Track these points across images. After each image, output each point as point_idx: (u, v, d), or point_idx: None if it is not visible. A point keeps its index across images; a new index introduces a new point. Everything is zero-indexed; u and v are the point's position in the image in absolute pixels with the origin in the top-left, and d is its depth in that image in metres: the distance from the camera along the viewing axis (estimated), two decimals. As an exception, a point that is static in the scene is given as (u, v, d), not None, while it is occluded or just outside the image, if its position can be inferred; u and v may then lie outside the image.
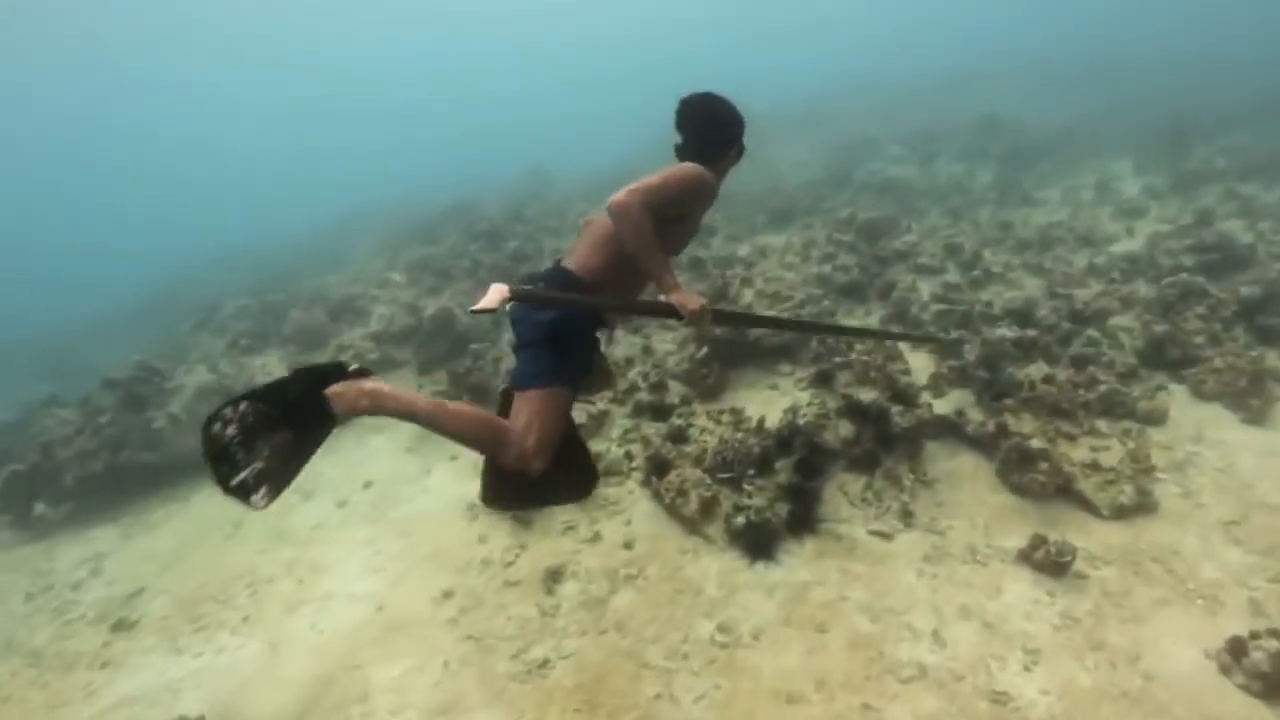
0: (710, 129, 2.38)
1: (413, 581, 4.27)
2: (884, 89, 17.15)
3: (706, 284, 7.03)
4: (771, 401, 5.47)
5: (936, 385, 5.06)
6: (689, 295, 2.07)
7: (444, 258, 8.97)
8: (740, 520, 3.98)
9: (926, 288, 6.35)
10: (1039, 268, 6.59)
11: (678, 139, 2.40)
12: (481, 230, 9.29)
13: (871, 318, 6.22)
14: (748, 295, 6.37)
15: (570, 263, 2.22)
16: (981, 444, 4.40)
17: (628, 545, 4.23)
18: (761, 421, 4.87)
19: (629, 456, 4.90)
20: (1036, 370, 4.87)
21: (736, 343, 5.84)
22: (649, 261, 2.05)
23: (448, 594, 4.07)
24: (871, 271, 6.60)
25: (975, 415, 4.58)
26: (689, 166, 2.20)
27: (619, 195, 2.00)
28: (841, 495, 4.29)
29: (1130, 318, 5.46)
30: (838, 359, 5.44)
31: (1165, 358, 4.86)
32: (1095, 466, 3.86)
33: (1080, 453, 4.05)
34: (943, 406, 4.82)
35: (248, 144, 43.80)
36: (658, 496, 4.41)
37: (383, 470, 5.81)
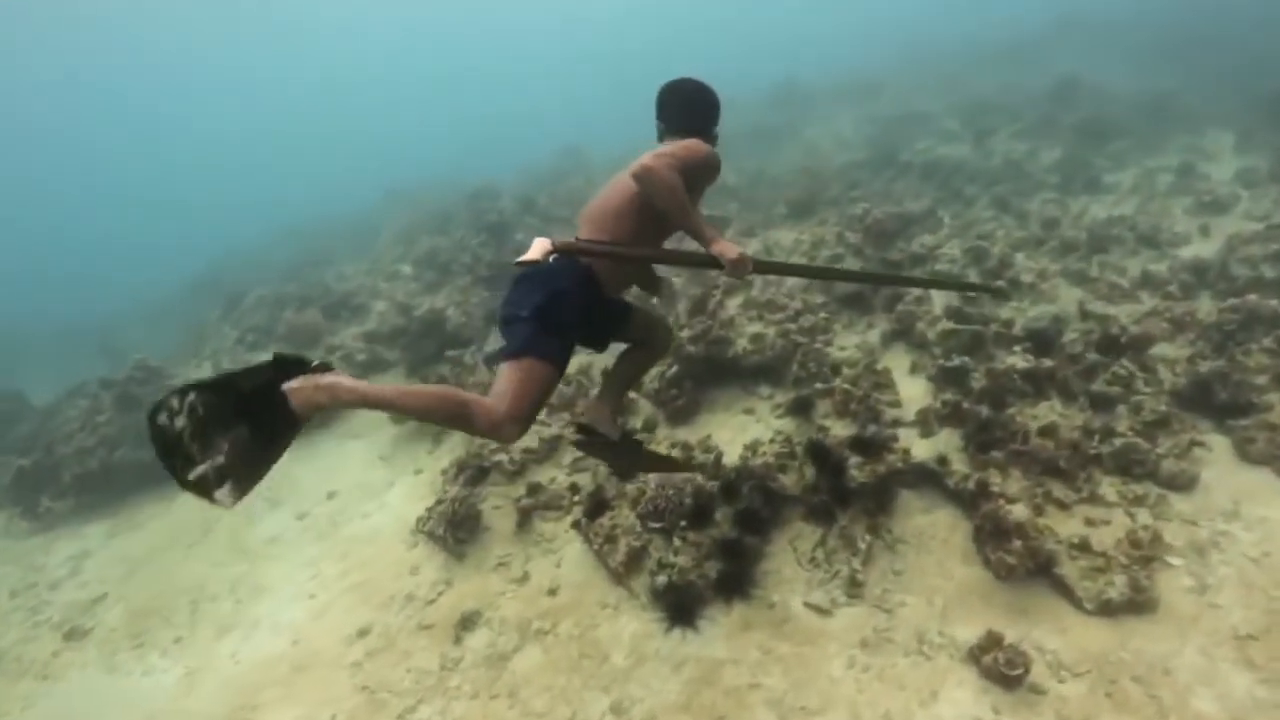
0: (694, 107, 2.54)
1: (335, 614, 4.20)
2: (947, 54, 15.49)
3: (701, 287, 6.55)
4: (744, 429, 5.02)
5: (926, 422, 4.44)
6: (728, 245, 2.15)
7: (450, 250, 8.86)
8: (662, 579, 3.63)
9: (941, 299, 5.61)
10: (1081, 276, 5.68)
11: (660, 125, 2.56)
12: (490, 222, 9.10)
13: (873, 333, 5.57)
14: (732, 306, 5.85)
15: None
16: (964, 500, 3.81)
17: (552, 592, 3.98)
18: (718, 458, 4.45)
19: (573, 489, 4.61)
20: (1046, 411, 4.18)
21: (714, 360, 5.38)
22: (685, 217, 2.13)
23: (362, 632, 3.97)
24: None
25: (960, 465, 3.97)
26: (696, 141, 2.30)
27: (644, 162, 2.07)
28: (791, 550, 3.85)
29: (1177, 346, 4.58)
30: (819, 385, 4.90)
31: (1211, 401, 4.03)
32: (1084, 547, 3.23)
33: (1071, 526, 3.41)
34: (927, 449, 4.23)
35: (307, 126, 45.66)
36: (588, 541, 4.11)
37: (350, 480, 5.80)
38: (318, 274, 10.67)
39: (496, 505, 4.74)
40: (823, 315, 5.68)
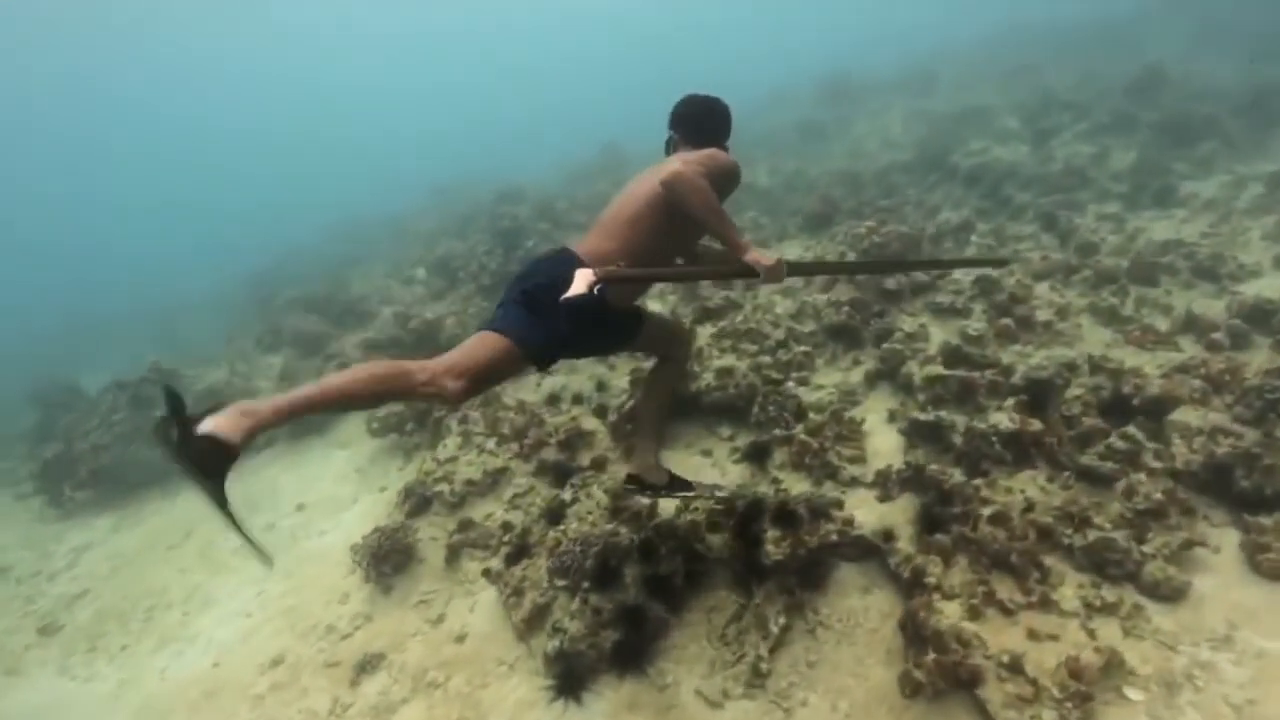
0: (711, 119, 2.65)
1: (261, 637, 4.29)
2: (1027, 40, 13.99)
3: (693, 305, 6.22)
4: (699, 471, 4.69)
5: (885, 484, 3.96)
6: (762, 252, 2.18)
7: (463, 257, 8.91)
8: (554, 644, 3.43)
9: (939, 337, 5.01)
10: (1113, 314, 4.91)
11: (672, 135, 2.68)
12: (503, 228, 9.08)
13: (857, 371, 5.06)
14: (703, 337, 5.49)
15: (579, 250, 2.27)
16: (903, 585, 3.37)
17: (460, 639, 3.88)
18: (651, 508, 4.17)
19: (506, 528, 4.47)
20: (1026, 484, 3.64)
21: (677, 395, 5.06)
22: (719, 225, 2.15)
23: (275, 662, 4.02)
24: (871, 309, 5.34)
25: (906, 543, 3.51)
26: (717, 151, 2.37)
27: (674, 168, 2.10)
28: (707, 622, 3.54)
29: (1207, 412, 3.85)
30: (778, 431, 4.50)
31: (1229, 488, 3.34)
32: (1017, 668, 2.74)
33: (1009, 638, 2.91)
34: (880, 517, 3.77)
35: (368, 128, 47.89)
36: (499, 591, 3.96)
37: (323, 492, 5.95)
38: (346, 275, 11.08)
39: (434, 537, 4.69)
40: (802, 350, 5.22)
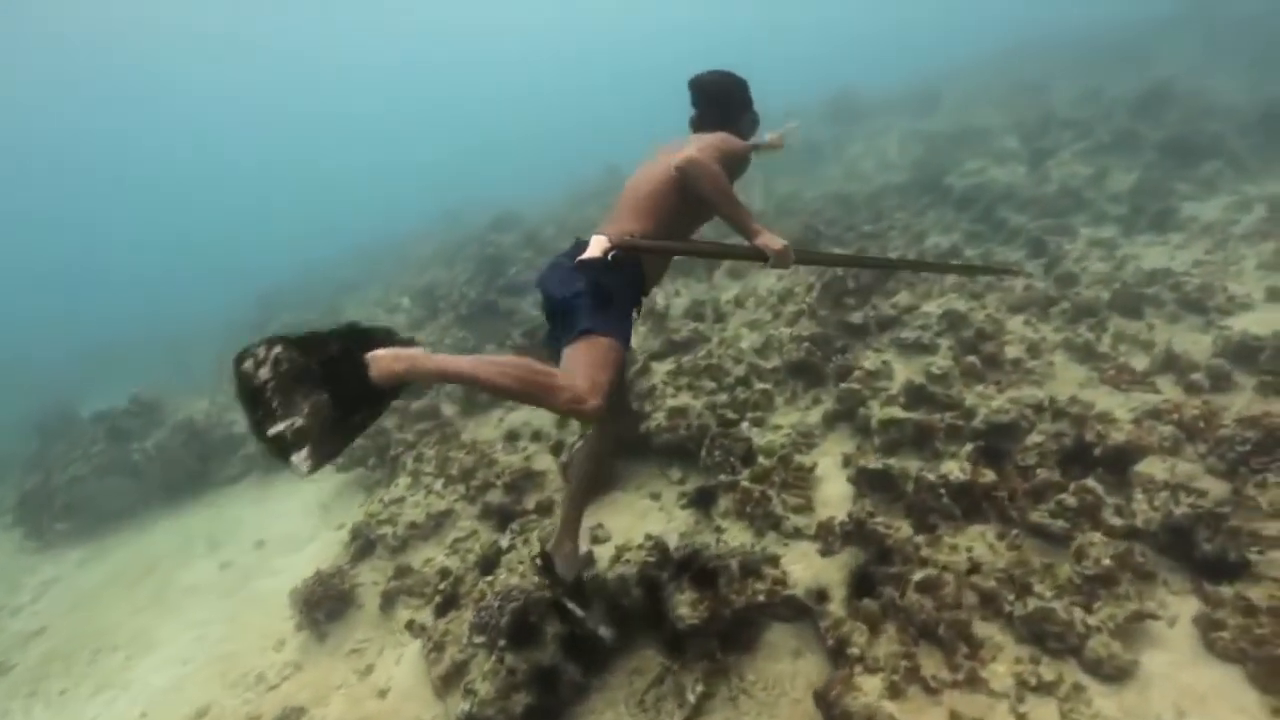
0: (732, 95, 2.73)
1: (192, 686, 4.24)
2: (1034, 54, 13.67)
3: (660, 339, 6.09)
4: (644, 517, 4.55)
5: (827, 537, 3.75)
6: (772, 237, 2.23)
7: (446, 285, 8.94)
8: (464, 708, 3.29)
9: (903, 375, 4.79)
10: (1088, 351, 4.64)
11: (693, 112, 2.75)
12: (489, 255, 9.10)
13: (815, 412, 4.86)
14: (659, 373, 5.35)
15: (611, 231, 2.27)
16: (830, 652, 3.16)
17: (382, 694, 3.77)
18: (587, 556, 4.03)
19: (443, 575, 4.35)
20: (972, 539, 3.41)
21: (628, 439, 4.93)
22: (731, 209, 2.19)
23: (200, 714, 3.96)
24: (834, 345, 5.14)
25: (836, 607, 3.30)
26: (728, 135, 2.42)
27: (688, 153, 2.15)
28: (628, 685, 3.37)
29: (1177, 463, 3.57)
30: (723, 476, 4.33)
31: (1191, 551, 3.07)
32: (931, 756, 2.52)
33: (931, 718, 2.68)
34: (817, 574, 3.57)
35: (390, 152, 49.09)
36: (424, 644, 3.84)
37: (284, 528, 5.92)
38: (343, 301, 11.22)
39: (375, 582, 4.60)
40: (761, 388, 5.04)
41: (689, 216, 2.44)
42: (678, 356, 5.76)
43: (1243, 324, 4.56)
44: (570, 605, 2.99)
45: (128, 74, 43.43)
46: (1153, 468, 3.54)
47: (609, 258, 2.16)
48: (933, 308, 5.41)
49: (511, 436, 5.73)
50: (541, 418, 5.95)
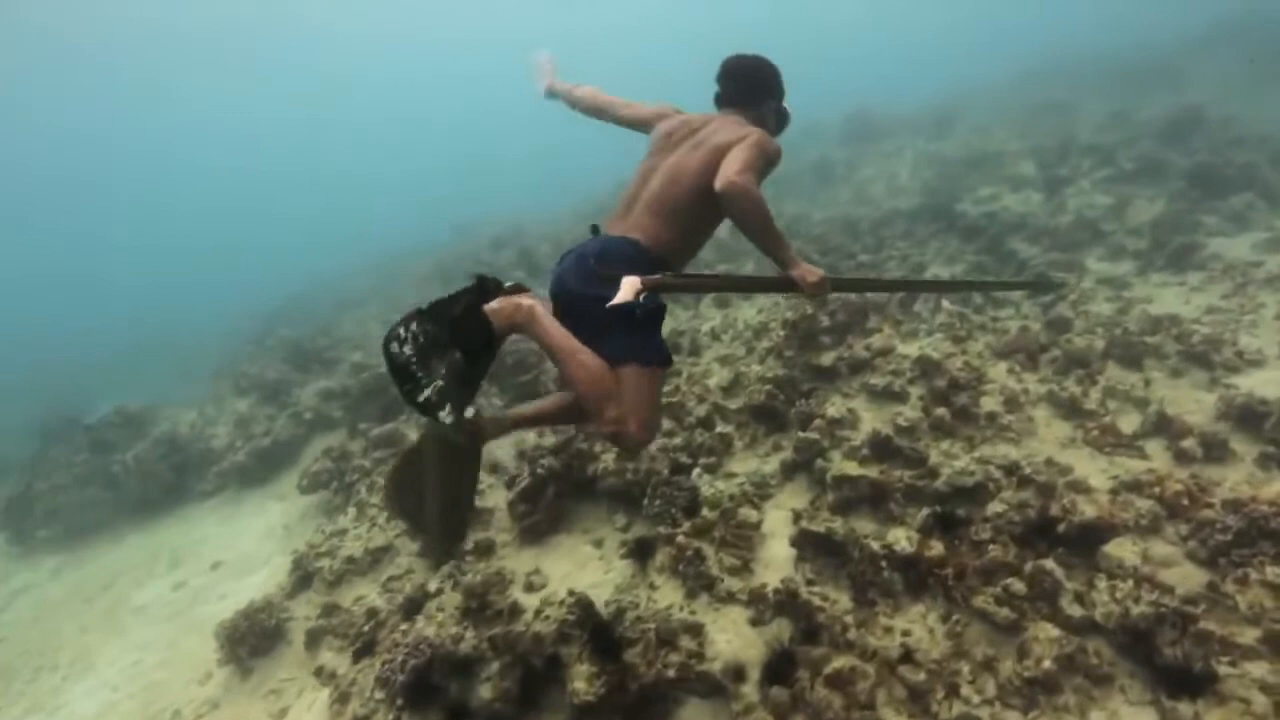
0: (752, 79, 2.61)
1: (113, 717, 4.15)
2: (1063, 73, 13.04)
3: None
4: (583, 566, 4.34)
5: (759, 604, 3.48)
6: (808, 268, 2.15)
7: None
8: (351, 774, 3.12)
9: (869, 424, 4.46)
10: (1074, 407, 4.24)
11: (719, 91, 2.65)
12: (492, 272, 9.00)
13: (774, 460, 4.56)
14: (607, 459, 5.09)
15: (634, 233, 2.23)
16: (745, 738, 2.88)
17: (290, 743, 3.61)
18: (510, 608, 3.83)
19: (370, 614, 4.20)
20: (912, 620, 3.12)
21: (577, 476, 4.73)
22: (771, 240, 2.11)
23: (111, 749, 3.87)
24: (801, 388, 4.84)
25: (751, 690, 3.03)
26: (764, 136, 2.28)
27: (732, 177, 2.04)
28: (526, 759, 3.15)
29: (1153, 545, 3.19)
30: (662, 529, 4.08)
31: (1153, 655, 2.70)
32: None
33: (825, 839, 2.39)
34: (739, 648, 3.29)
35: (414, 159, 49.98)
36: (331, 692, 3.68)
37: (243, 549, 5.89)
38: (342, 317, 11.32)
39: (308, 617, 4.48)
40: (720, 431, 4.78)
41: (714, 220, 2.36)
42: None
43: (1251, 383, 4.11)
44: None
45: (130, 80, 45.02)
46: (1123, 550, 3.15)
47: (641, 299, 2.04)
48: (913, 350, 5.07)
49: (470, 467, 5.58)
50: (502, 449, 5.78)
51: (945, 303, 6.05)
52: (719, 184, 2.07)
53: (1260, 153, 7.18)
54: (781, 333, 5.17)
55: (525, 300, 2.01)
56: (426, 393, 1.80)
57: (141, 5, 38.72)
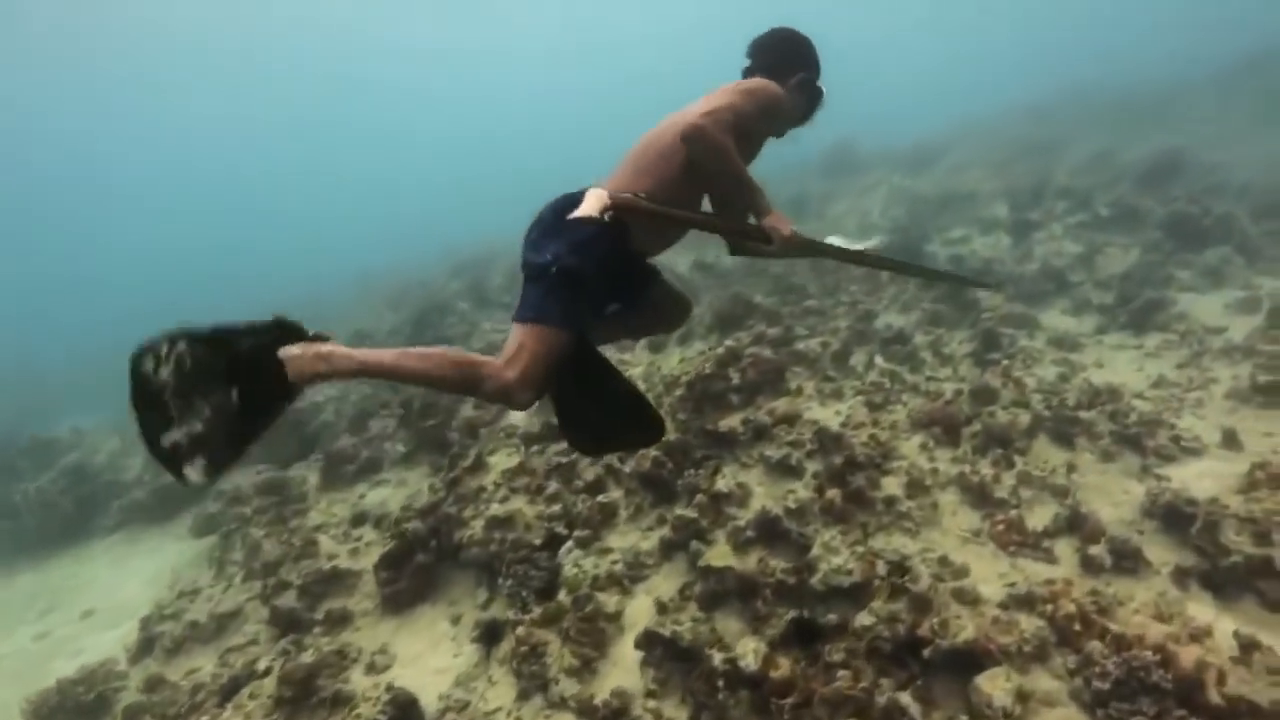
0: (771, 49, 2.36)
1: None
2: (1056, 109, 12.59)
3: (540, 419, 5.49)
4: (435, 646, 3.95)
5: (587, 718, 3.04)
6: (783, 219, 2.00)
7: (372, 332, 8.61)
8: None
9: (760, 501, 4.02)
10: (982, 494, 3.77)
11: (746, 64, 2.38)
12: (437, 302, 8.76)
13: (655, 535, 4.13)
14: (493, 473, 4.74)
15: (614, 185, 2.05)
16: None
17: None
18: (332, 699, 3.44)
19: (193, 692, 3.82)
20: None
21: (444, 542, 4.35)
22: (741, 186, 1.99)
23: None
24: (694, 455, 4.42)
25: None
26: (758, 81, 2.14)
27: (691, 119, 1.90)
28: None
29: (1030, 679, 2.71)
30: (512, 614, 3.68)
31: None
32: None
33: None
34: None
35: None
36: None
37: (123, 596, 5.57)
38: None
39: (139, 688, 4.12)
40: (603, 499, 4.37)
41: (695, 180, 2.12)
42: (543, 446, 5.14)
43: (1184, 475, 3.62)
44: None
45: (132, 82, 45.83)
46: (996, 685, 2.68)
47: (605, 218, 1.89)
48: (828, 415, 4.63)
49: (357, 520, 5.22)
50: (398, 499, 5.42)
51: (879, 359, 5.62)
52: (681, 129, 1.93)
53: (1240, 203, 6.68)
54: (679, 391, 4.76)
55: (325, 347, 1.71)
56: (176, 435, 1.47)
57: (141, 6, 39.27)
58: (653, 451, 4.37)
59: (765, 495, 4.07)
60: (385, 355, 1.76)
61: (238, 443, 1.57)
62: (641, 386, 5.93)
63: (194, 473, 1.49)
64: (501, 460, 4.89)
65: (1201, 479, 3.56)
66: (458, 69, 57.64)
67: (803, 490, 3.93)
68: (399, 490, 5.60)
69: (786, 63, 2.32)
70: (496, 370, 1.79)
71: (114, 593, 5.61)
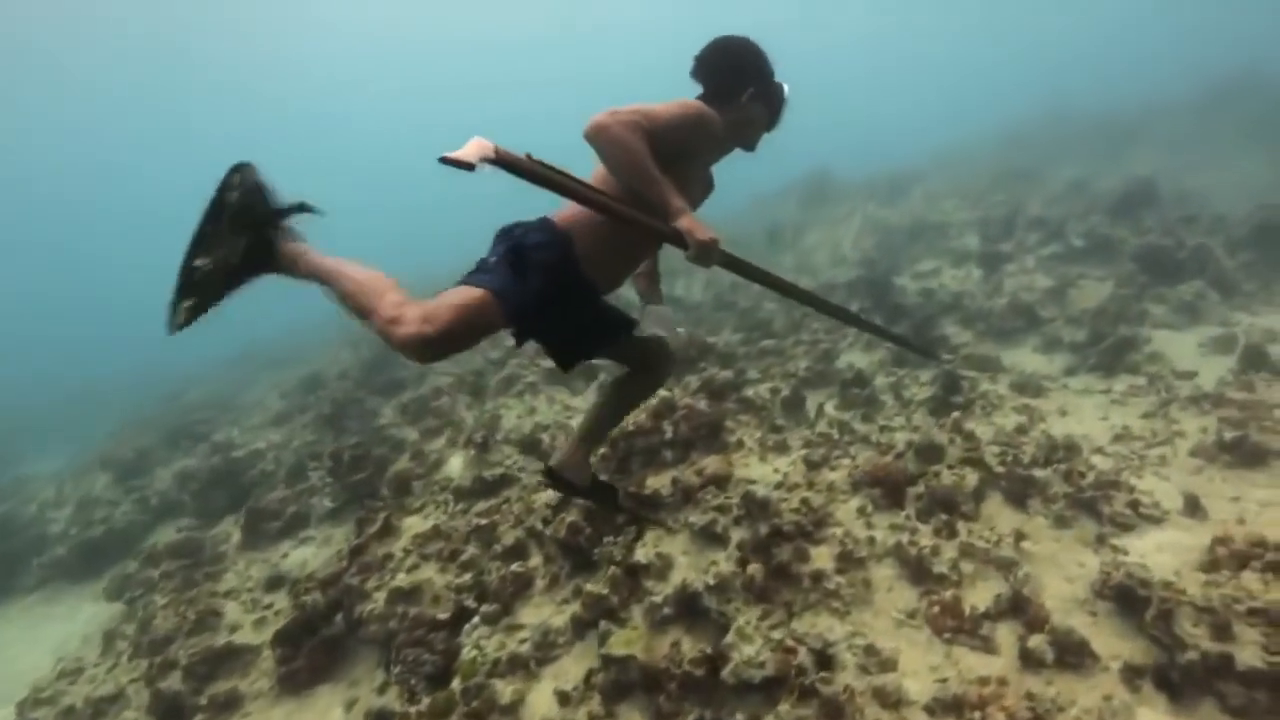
0: (715, 70, 2.25)
1: None
2: (1039, 135, 12.41)
3: (472, 474, 5.16)
4: (324, 733, 3.56)
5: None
6: (699, 225, 1.90)
7: (332, 382, 8.31)
8: None
9: (681, 574, 3.66)
10: (920, 568, 3.41)
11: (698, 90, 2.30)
12: (365, 358, 8.47)
13: (568, 611, 3.77)
14: (403, 539, 4.42)
15: (554, 214, 2.09)
16: None
17: None
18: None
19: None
20: None
21: (346, 616, 4.00)
22: (645, 181, 1.88)
23: None
24: (615, 520, 4.08)
25: None
26: (684, 99, 2.10)
27: (597, 118, 1.86)
28: None
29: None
30: (398, 705, 3.31)
31: None
32: None
33: None
34: None
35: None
36: None
37: (20, 667, 5.16)
38: (260, 378, 10.85)
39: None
40: (518, 566, 4.03)
41: (631, 191, 2.03)
42: (469, 503, 4.81)
43: (1142, 548, 3.26)
44: (600, 501, 2.76)
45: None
46: (910, 814, 2.30)
47: (485, 167, 1.73)
48: (766, 472, 4.30)
49: (273, 584, 4.88)
50: (321, 558, 5.07)
51: (829, 407, 5.30)
52: (585, 128, 1.86)
53: (1215, 235, 6.38)
54: (603, 449, 4.44)
55: (302, 248, 1.92)
56: (202, 261, 1.78)
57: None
58: (570, 516, 4.04)
59: (688, 567, 3.72)
60: (330, 264, 1.87)
61: (214, 292, 1.80)
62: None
63: (179, 309, 1.76)
64: (416, 523, 4.56)
65: (1161, 552, 3.20)
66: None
67: (724, 563, 3.58)
68: (323, 549, 5.26)
69: (734, 81, 2.22)
70: (398, 311, 1.72)
71: (15, 662, 5.25)
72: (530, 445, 5.52)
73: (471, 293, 1.81)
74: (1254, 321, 5.42)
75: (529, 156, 1.78)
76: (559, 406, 6.33)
